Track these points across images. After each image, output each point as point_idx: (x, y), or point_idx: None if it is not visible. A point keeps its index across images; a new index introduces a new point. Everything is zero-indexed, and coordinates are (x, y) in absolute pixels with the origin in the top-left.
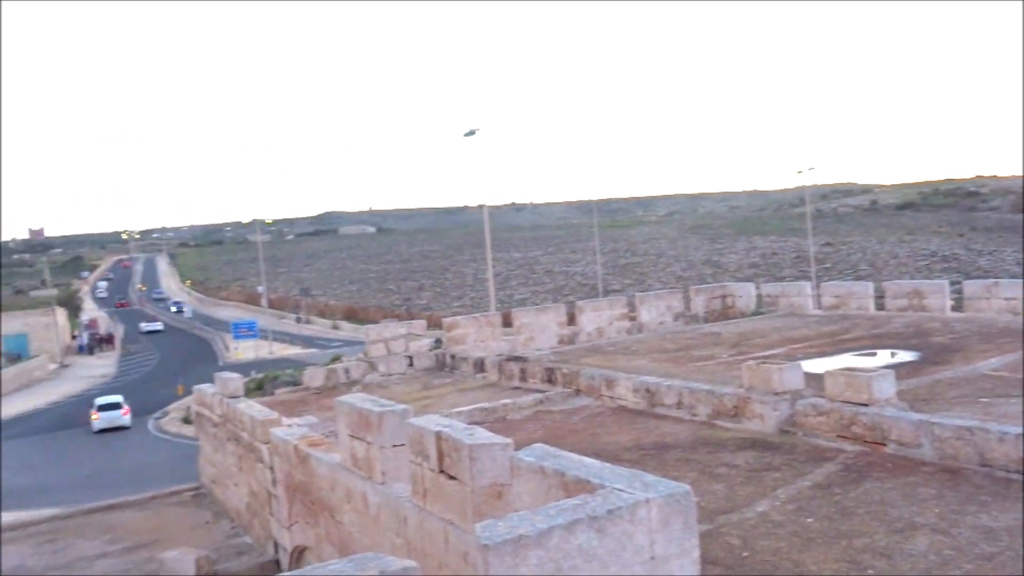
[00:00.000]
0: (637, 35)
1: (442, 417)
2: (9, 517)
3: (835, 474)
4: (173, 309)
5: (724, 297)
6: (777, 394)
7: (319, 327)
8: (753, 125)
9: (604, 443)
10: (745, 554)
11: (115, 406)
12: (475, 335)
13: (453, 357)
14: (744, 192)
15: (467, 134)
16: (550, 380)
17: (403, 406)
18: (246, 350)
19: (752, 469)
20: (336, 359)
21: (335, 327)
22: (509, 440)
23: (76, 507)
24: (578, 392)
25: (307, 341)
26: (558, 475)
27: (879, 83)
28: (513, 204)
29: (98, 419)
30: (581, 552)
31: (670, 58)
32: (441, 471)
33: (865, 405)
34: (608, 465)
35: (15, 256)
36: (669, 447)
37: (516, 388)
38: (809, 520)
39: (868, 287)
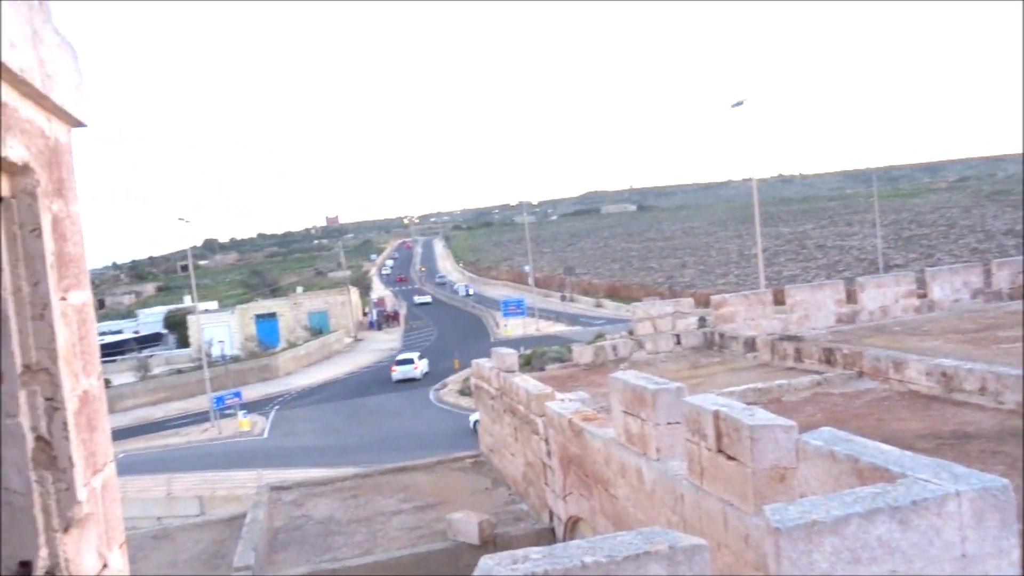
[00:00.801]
0: None
1: (718, 396)
2: (320, 473)
3: None
4: (461, 294)
5: None
6: None
7: (583, 305)
8: None
9: (893, 430)
10: None
11: (408, 361)
12: (744, 313)
13: (722, 336)
14: None
15: (734, 105)
16: (828, 361)
17: (677, 384)
18: (515, 327)
19: None
20: (600, 336)
21: (598, 305)
22: (792, 422)
23: (374, 467)
24: (861, 374)
25: (571, 319)
26: (850, 460)
27: None
28: (780, 176)
29: (396, 372)
30: (881, 544)
31: (955, 4)
32: (719, 451)
33: None
34: (908, 453)
35: (315, 241)
36: (971, 437)
37: (791, 369)
38: None
39: None
